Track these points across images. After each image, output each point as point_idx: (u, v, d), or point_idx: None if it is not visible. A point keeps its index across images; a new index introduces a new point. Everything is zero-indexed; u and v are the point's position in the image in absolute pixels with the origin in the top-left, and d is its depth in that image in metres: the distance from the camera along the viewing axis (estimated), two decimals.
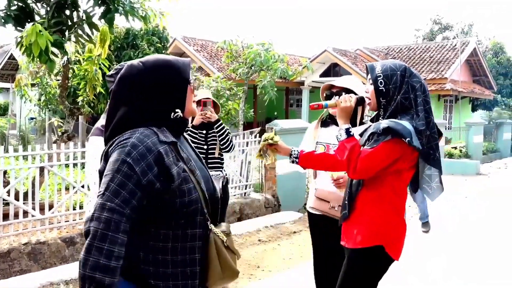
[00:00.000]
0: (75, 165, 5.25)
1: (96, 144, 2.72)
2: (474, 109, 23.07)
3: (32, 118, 15.36)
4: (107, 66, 6.09)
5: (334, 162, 2.33)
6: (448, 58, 19.78)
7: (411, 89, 2.22)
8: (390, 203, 2.24)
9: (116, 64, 11.52)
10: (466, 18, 64.23)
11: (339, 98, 2.40)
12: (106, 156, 1.50)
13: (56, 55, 4.66)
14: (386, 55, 22.14)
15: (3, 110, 19.29)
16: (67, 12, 4.71)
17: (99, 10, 4.71)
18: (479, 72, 22.22)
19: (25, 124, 15.12)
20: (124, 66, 1.59)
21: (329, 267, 3.00)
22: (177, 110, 1.57)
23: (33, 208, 4.80)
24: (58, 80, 8.40)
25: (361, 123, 2.92)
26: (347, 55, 19.83)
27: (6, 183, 4.78)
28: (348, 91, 2.78)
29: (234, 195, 6.83)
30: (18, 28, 4.42)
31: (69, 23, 4.71)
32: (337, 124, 2.36)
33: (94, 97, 7.01)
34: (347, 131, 2.27)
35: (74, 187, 5.12)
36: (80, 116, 8.60)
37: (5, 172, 4.90)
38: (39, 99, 11.48)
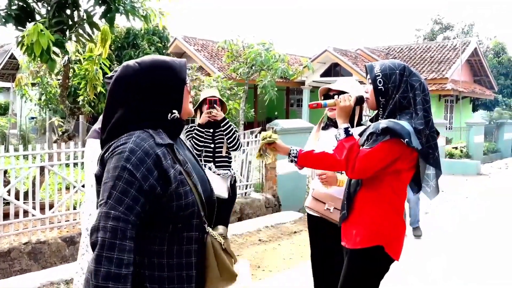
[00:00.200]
0: (75, 164, 5.25)
1: (93, 147, 2.72)
2: (475, 109, 23.06)
3: (32, 118, 15.37)
4: (108, 65, 6.09)
5: (332, 162, 2.32)
6: (449, 58, 19.78)
7: (410, 88, 2.22)
8: (390, 203, 2.23)
9: (117, 64, 11.51)
10: (467, 18, 64.23)
11: (338, 97, 2.40)
12: (102, 161, 1.48)
13: (57, 55, 4.66)
14: (387, 55, 22.13)
15: (4, 110, 19.29)
16: (68, 11, 4.70)
17: (99, 10, 4.71)
18: (480, 72, 22.22)
19: (26, 124, 15.12)
20: (120, 68, 1.57)
21: (326, 268, 3.00)
22: (174, 111, 1.56)
23: (34, 208, 4.80)
24: (59, 79, 8.40)
25: (359, 123, 2.91)
26: (348, 55, 19.82)
27: (6, 183, 4.78)
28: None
29: None
30: (19, 27, 4.41)
31: (70, 23, 4.70)
32: (336, 127, 2.35)
33: (95, 97, 7.01)
34: (346, 131, 2.27)
35: (74, 187, 5.12)
36: (80, 116, 8.60)
37: (5, 172, 4.89)
38: (40, 99, 11.49)
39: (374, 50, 22.52)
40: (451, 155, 13.93)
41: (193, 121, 4.22)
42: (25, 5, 4.48)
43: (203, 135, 3.92)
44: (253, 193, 7.18)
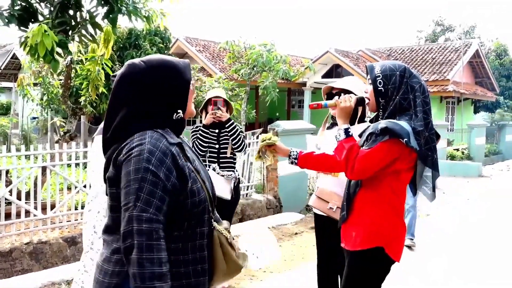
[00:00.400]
0: (77, 165, 5.26)
1: (100, 144, 2.72)
2: (476, 111, 23.04)
3: (34, 118, 15.39)
4: (110, 66, 6.10)
5: (332, 163, 2.32)
6: (450, 60, 19.77)
7: (410, 90, 2.22)
8: (389, 204, 2.23)
9: (118, 64, 11.50)
10: (467, 19, 64.20)
11: (339, 98, 2.40)
12: (115, 163, 1.47)
13: (60, 55, 4.67)
14: (388, 56, 22.13)
15: (6, 110, 19.32)
16: (71, 12, 4.71)
17: (102, 10, 4.72)
18: (481, 74, 22.19)
19: (27, 124, 15.15)
20: (125, 66, 1.56)
21: (331, 267, 3.00)
22: (179, 111, 1.57)
23: (35, 208, 4.81)
24: (61, 79, 8.41)
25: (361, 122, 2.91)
26: (349, 56, 19.83)
27: (8, 183, 4.79)
28: (349, 92, 2.78)
29: None
30: (22, 28, 4.42)
31: (73, 23, 4.71)
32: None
33: (97, 97, 7.02)
34: (346, 131, 2.27)
35: (76, 187, 5.13)
36: (82, 116, 8.61)
37: (7, 172, 4.91)
38: (42, 99, 11.50)
39: (375, 51, 22.52)
40: (452, 157, 13.91)
41: (194, 122, 4.22)
42: (28, 6, 4.48)
43: (208, 135, 3.91)
44: (254, 194, 7.19)
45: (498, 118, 20.31)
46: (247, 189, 7.11)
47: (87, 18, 4.79)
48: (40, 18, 4.62)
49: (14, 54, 18.29)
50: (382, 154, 2.13)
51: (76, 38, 5.02)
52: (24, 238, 4.64)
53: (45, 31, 3.83)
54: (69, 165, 5.15)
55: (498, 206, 8.17)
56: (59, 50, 4.35)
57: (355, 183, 2.31)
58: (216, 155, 3.93)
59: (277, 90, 10.73)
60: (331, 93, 2.97)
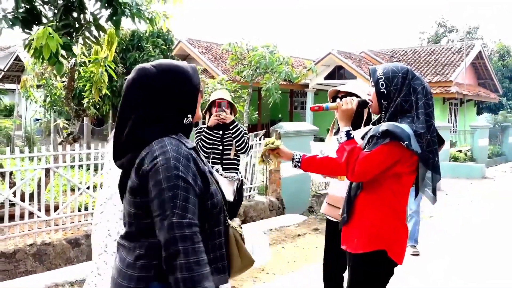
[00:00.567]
0: (80, 166, 5.27)
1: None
2: (479, 112, 22.99)
3: (37, 119, 15.43)
4: (113, 68, 6.12)
5: (334, 166, 2.32)
6: (453, 61, 19.74)
7: (412, 92, 2.21)
8: (390, 207, 2.23)
9: (121, 66, 11.50)
10: (468, 19, 64.05)
11: (340, 100, 2.40)
12: (138, 173, 1.49)
13: (64, 58, 4.68)
14: (391, 58, 22.11)
15: (9, 111, 19.38)
16: (75, 14, 4.72)
17: (106, 13, 4.73)
18: (484, 75, 22.16)
19: (31, 125, 15.19)
20: (136, 71, 1.57)
21: (338, 269, 3.00)
22: (189, 115, 1.60)
23: (39, 209, 4.82)
24: (64, 81, 8.44)
25: (367, 125, 2.91)
26: (352, 58, 19.82)
27: (12, 184, 4.80)
28: (353, 95, 2.78)
29: None
30: (26, 30, 4.44)
31: (77, 26, 4.72)
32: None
33: (100, 99, 7.03)
34: (347, 134, 2.27)
35: (79, 189, 5.15)
36: (85, 118, 8.63)
37: (11, 173, 4.92)
38: (45, 101, 11.53)
39: (378, 53, 22.51)
40: (455, 159, 13.89)
41: (197, 123, 4.24)
42: (32, 8, 4.50)
43: (212, 137, 3.92)
44: (257, 195, 7.19)
45: (501, 120, 20.26)
46: (250, 191, 7.11)
47: (91, 20, 4.80)
48: (44, 20, 4.63)
49: (17, 56, 18.36)
50: (383, 157, 2.13)
51: (80, 40, 5.04)
52: (28, 240, 4.65)
53: (50, 33, 3.84)
54: (72, 167, 5.16)
55: (501, 208, 8.15)
56: (63, 52, 4.36)
57: (356, 185, 2.31)
58: (219, 156, 3.94)
59: (280, 91, 10.74)
60: (336, 97, 2.97)
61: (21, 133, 15.10)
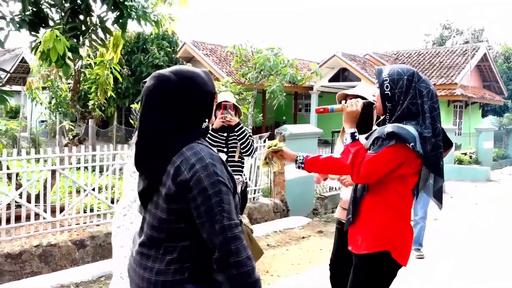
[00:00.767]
0: (86, 168, 5.30)
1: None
2: (484, 115, 22.91)
3: (42, 121, 15.51)
4: (118, 70, 6.15)
5: (338, 166, 2.32)
6: (458, 63, 19.69)
7: (418, 95, 2.21)
8: (395, 208, 2.23)
9: (127, 68, 11.53)
10: (473, 20, 63.79)
11: (345, 102, 2.41)
12: (175, 181, 1.53)
13: (71, 60, 4.72)
14: (396, 60, 22.08)
15: (15, 113, 19.47)
16: (81, 17, 4.76)
17: (112, 15, 4.76)
18: (489, 78, 22.08)
19: (36, 127, 15.27)
20: (155, 77, 1.60)
21: (343, 270, 3.00)
22: (206, 120, 1.66)
23: (45, 211, 4.86)
24: (69, 83, 8.48)
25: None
26: (356, 60, 19.81)
27: (18, 186, 4.84)
28: (362, 99, 2.78)
29: None
30: (33, 33, 4.47)
31: (84, 28, 4.76)
32: (360, 133, 2.36)
33: (105, 101, 7.07)
34: (353, 136, 2.27)
35: (84, 190, 5.17)
36: (90, 120, 8.67)
37: (17, 175, 4.95)
38: (50, 102, 11.60)
39: (382, 55, 22.48)
40: (460, 161, 13.84)
41: None
42: (39, 11, 4.54)
43: (217, 139, 3.93)
44: (261, 198, 7.20)
45: (506, 122, 20.19)
46: (254, 193, 7.12)
47: (98, 23, 4.83)
48: (51, 23, 4.67)
49: (23, 58, 18.49)
50: (388, 159, 2.13)
51: (87, 43, 5.07)
52: (34, 241, 4.68)
53: (57, 36, 3.87)
54: (78, 168, 5.19)
55: (506, 211, 8.11)
56: (70, 55, 4.40)
57: (362, 187, 2.32)
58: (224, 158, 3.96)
59: (284, 94, 10.75)
60: (345, 100, 2.97)
61: (26, 134, 15.17)
